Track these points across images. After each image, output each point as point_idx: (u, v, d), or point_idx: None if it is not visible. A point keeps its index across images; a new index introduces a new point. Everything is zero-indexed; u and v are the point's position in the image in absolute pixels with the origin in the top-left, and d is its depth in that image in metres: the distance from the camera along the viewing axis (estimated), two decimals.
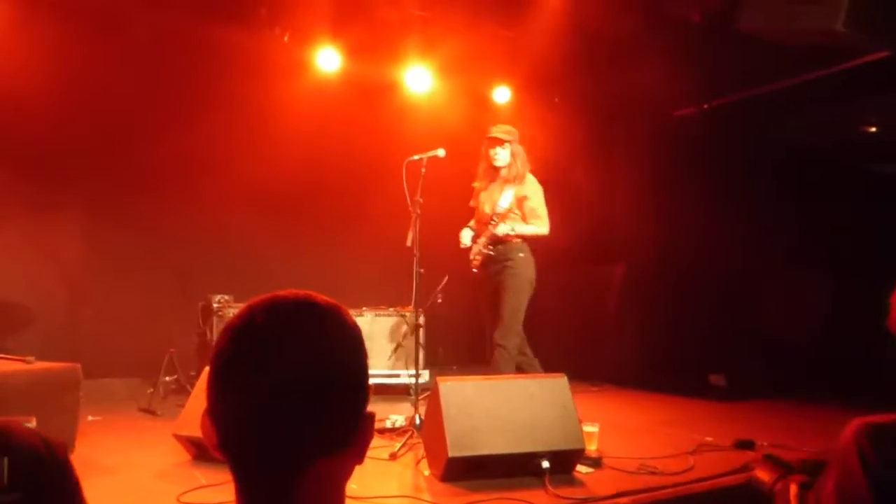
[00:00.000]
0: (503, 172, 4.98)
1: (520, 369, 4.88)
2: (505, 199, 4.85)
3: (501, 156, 4.95)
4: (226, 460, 0.92)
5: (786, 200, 7.00)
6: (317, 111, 6.89)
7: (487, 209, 5.00)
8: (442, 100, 7.53)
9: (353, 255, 7.28)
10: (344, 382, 0.92)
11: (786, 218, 6.96)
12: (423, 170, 4.65)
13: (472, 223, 5.21)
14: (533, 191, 4.99)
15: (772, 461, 2.07)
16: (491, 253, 4.93)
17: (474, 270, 5.04)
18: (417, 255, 4.69)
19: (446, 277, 5.57)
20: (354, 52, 6.94)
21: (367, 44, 6.88)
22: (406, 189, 4.66)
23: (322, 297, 0.97)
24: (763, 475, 2.05)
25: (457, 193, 5.45)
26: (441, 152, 4.65)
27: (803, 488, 1.82)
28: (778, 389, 5.98)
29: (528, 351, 5.06)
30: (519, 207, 4.96)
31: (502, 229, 4.86)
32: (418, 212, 4.66)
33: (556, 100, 7.91)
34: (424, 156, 4.66)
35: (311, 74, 6.95)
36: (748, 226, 6.85)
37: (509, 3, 6.62)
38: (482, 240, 4.99)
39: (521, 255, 4.92)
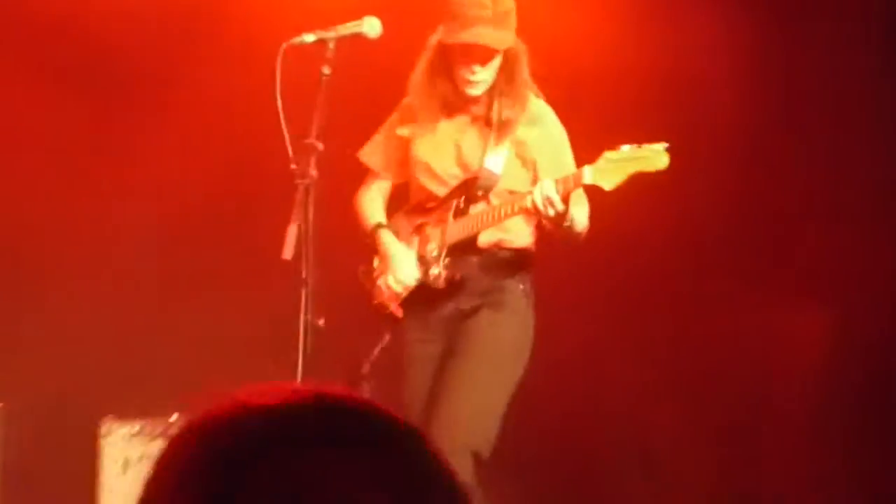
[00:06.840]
0: (478, 109, 2.45)
1: None
2: (495, 159, 2.38)
3: (483, 77, 2.40)
4: None
5: None
6: None
7: (445, 176, 2.51)
8: None
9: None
10: None
11: None
12: (327, 71, 1.98)
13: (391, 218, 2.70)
14: (554, 138, 2.52)
15: None
16: (455, 277, 2.50)
17: (391, 310, 2.59)
18: (308, 282, 1.96)
19: (387, 337, 2.63)
20: None
21: None
22: (283, 122, 1.94)
23: None
24: None
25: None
26: (370, 26, 1.99)
27: None
28: None
29: None
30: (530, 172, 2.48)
31: (538, 197, 2.24)
32: (313, 175, 1.96)
33: None
34: (329, 34, 1.99)
35: None
36: None
37: None
38: (432, 245, 2.53)
39: (521, 287, 2.59)
